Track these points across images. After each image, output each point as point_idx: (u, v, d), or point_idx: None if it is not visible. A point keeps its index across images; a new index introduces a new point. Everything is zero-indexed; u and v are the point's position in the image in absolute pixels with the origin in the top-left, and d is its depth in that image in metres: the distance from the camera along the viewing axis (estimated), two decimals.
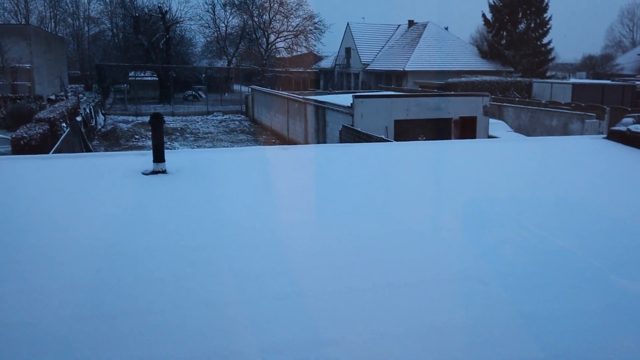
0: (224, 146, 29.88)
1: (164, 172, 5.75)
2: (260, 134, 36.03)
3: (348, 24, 63.20)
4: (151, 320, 2.85)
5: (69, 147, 18.68)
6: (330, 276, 3.41)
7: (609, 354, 2.62)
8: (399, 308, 3.02)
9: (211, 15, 63.86)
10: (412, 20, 61.30)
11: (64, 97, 36.22)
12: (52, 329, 2.77)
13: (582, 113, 25.60)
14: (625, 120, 8.15)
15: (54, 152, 15.11)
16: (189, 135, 34.45)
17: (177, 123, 39.94)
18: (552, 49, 56.42)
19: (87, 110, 30.89)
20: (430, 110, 22.63)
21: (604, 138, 7.92)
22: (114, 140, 30.82)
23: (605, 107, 26.44)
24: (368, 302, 3.07)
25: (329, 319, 2.90)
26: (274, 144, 30.72)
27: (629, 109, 28.30)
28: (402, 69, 52.07)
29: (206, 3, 64.52)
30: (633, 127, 7.52)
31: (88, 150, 22.40)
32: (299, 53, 66.53)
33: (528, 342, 2.70)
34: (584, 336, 2.76)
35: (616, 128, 7.83)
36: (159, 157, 5.86)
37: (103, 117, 39.20)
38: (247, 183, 5.57)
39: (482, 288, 3.27)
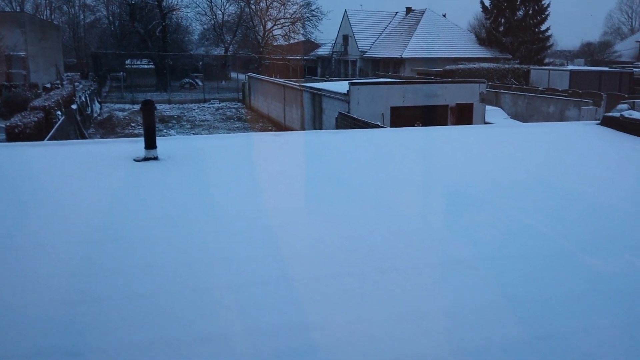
0: (219, 134, 29.83)
1: (155, 158, 5.76)
2: (257, 121, 35.98)
3: (346, 11, 62.90)
4: (140, 305, 2.87)
5: (63, 135, 18.63)
6: (318, 261, 3.43)
7: (590, 335, 2.65)
8: (385, 293, 3.04)
9: (208, 2, 63.60)
10: (410, 7, 61.03)
11: (60, 85, 36.08)
12: (41, 314, 2.78)
13: (579, 100, 25.57)
14: (620, 106, 8.16)
15: (48, 140, 15.07)
16: (185, 123, 34.39)
17: (174, 111, 39.85)
18: (550, 36, 56.17)
19: (83, 98, 30.78)
20: (427, 97, 22.59)
21: (597, 124, 7.92)
22: (110, 128, 30.74)
23: (602, 94, 26.42)
24: (355, 287, 3.08)
25: (315, 304, 2.92)
26: (271, 131, 30.67)
27: (626, 95, 28.29)
28: (399, 56, 51.92)
29: None
30: (626, 113, 7.52)
31: (83, 138, 22.35)
32: (296, 40, 66.29)
33: (512, 325, 2.72)
34: (566, 319, 2.78)
35: (610, 114, 7.84)
36: (150, 144, 5.86)
37: (99, 105, 39.09)
38: (239, 169, 5.58)
39: (468, 272, 3.29)
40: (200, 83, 54.07)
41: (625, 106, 8.18)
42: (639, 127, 7.17)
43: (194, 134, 30.02)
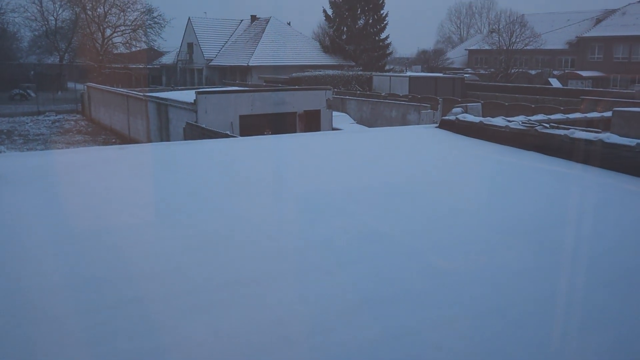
0: (58, 148, 27.91)
1: None
2: (99, 133, 34.18)
3: (189, 18, 61.91)
4: None
5: None
6: (170, 278, 3.26)
7: (439, 328, 2.78)
8: (243, 305, 2.96)
9: (38, 7, 59.22)
10: (255, 15, 61.49)
11: None
12: None
13: (419, 104, 27.30)
14: (454, 110, 8.76)
15: None
16: (17, 138, 31.80)
17: (3, 125, 36.70)
18: (389, 44, 59.56)
19: None
20: (275, 104, 22.85)
21: (436, 127, 8.45)
22: None
23: (438, 98, 28.46)
24: (211, 302, 2.97)
25: (169, 323, 2.77)
26: (114, 143, 29.27)
27: (459, 99, 30.74)
28: (246, 64, 52.11)
29: None
30: (461, 117, 8.10)
31: None
32: (138, 48, 63.91)
33: (370, 326, 2.77)
34: (418, 314, 2.89)
35: (447, 117, 8.40)
36: None
37: None
38: (80, 186, 5.20)
39: (325, 277, 3.31)
40: (33, 94, 50.17)
41: (459, 110, 8.79)
42: (472, 129, 7.75)
43: (28, 149, 27.80)
